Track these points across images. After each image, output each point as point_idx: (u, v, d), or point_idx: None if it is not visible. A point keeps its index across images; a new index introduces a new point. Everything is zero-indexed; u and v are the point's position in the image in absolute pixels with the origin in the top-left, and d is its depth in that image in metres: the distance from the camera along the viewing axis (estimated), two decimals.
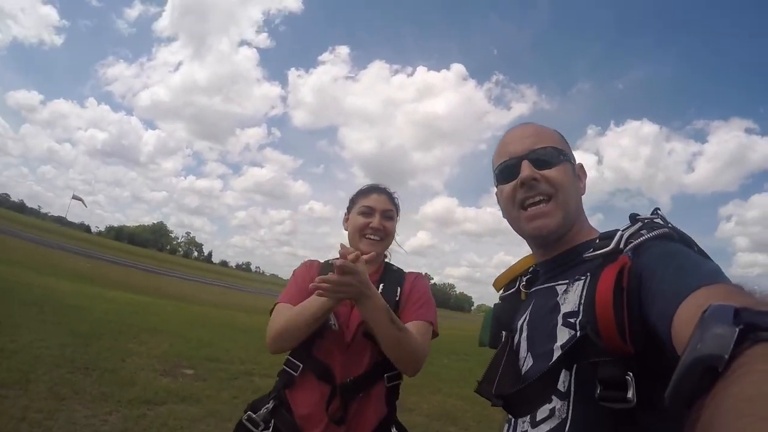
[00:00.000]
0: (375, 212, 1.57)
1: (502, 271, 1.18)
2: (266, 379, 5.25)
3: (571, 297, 0.86)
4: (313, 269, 1.58)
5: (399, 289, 1.53)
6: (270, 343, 1.40)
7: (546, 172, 0.92)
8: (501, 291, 1.16)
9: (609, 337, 0.70)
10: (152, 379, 4.74)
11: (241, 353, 6.86)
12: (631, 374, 0.69)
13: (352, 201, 1.66)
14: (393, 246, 1.65)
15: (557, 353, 0.82)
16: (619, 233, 0.81)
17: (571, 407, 0.78)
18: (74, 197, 73.68)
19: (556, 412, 0.80)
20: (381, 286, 1.50)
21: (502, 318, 1.09)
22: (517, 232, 1.01)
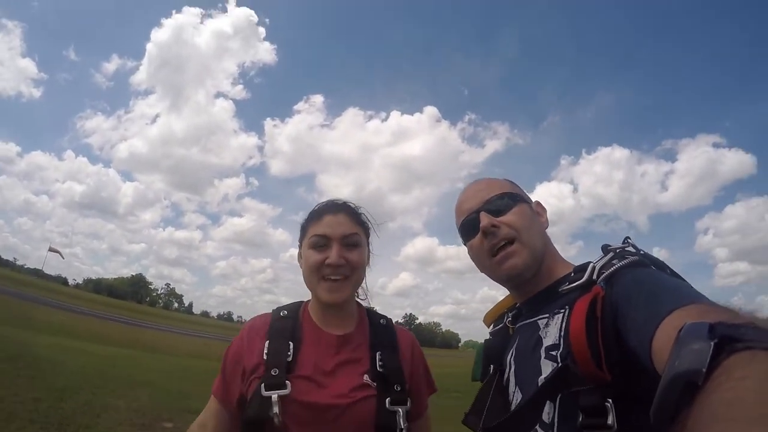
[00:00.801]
0: (331, 241, 1.14)
1: (487, 305, 1.23)
2: None
3: (552, 330, 0.89)
4: (262, 332, 1.16)
5: (397, 357, 1.19)
6: None
7: (503, 218, 1.00)
8: (491, 326, 1.20)
9: (584, 364, 0.72)
10: None
11: None
12: (610, 401, 0.71)
13: (303, 229, 1.23)
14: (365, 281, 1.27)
15: None
16: (591, 265, 0.86)
17: None
18: (51, 249, 71.92)
19: None
20: (378, 354, 1.16)
21: (491, 353, 1.13)
22: (494, 279, 1.06)
